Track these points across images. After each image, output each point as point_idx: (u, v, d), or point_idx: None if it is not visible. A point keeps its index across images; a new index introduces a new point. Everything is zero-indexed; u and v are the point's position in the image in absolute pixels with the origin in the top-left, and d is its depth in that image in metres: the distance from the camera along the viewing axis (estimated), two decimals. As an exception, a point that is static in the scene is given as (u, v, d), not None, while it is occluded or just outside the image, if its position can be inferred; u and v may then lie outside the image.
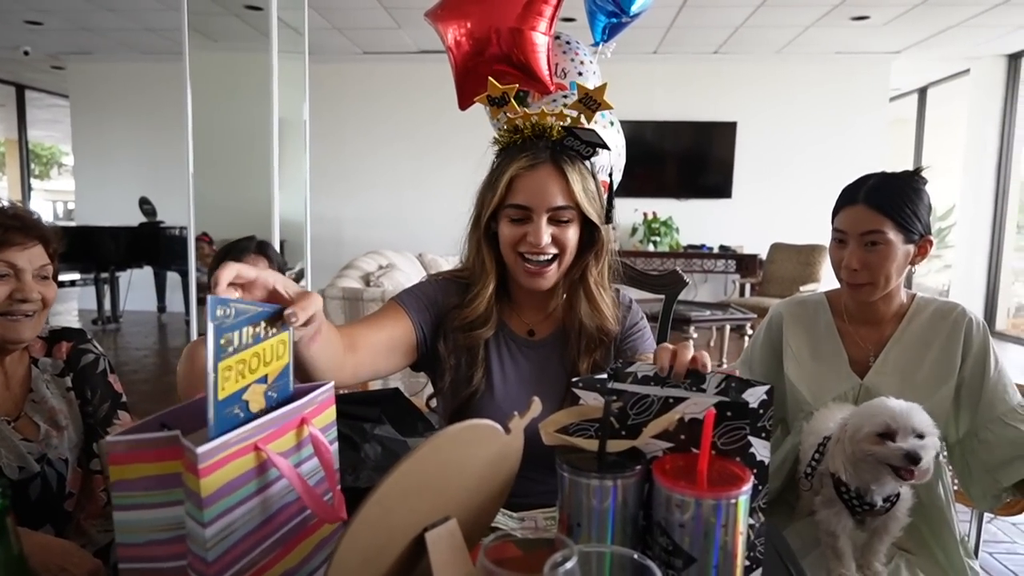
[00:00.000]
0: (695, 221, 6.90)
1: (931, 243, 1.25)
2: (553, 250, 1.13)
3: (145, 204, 6.73)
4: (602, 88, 1.10)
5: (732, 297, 6.37)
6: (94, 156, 7.44)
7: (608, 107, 1.11)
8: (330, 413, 0.71)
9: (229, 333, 0.57)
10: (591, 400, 0.75)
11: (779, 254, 5.99)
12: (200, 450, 0.52)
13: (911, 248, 1.24)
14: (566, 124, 1.13)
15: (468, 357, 1.18)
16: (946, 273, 7.81)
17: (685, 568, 0.62)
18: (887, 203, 1.22)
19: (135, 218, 6.67)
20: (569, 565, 0.47)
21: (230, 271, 0.64)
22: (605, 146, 1.11)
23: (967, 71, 6.78)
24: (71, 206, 9.95)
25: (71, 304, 7.48)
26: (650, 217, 6.75)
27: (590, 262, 1.18)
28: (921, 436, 1.02)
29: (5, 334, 1.17)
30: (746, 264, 6.42)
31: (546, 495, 1.03)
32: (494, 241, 1.18)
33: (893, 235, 1.22)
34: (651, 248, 6.65)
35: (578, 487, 0.67)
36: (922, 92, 7.78)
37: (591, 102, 1.10)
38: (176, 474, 0.55)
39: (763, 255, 6.24)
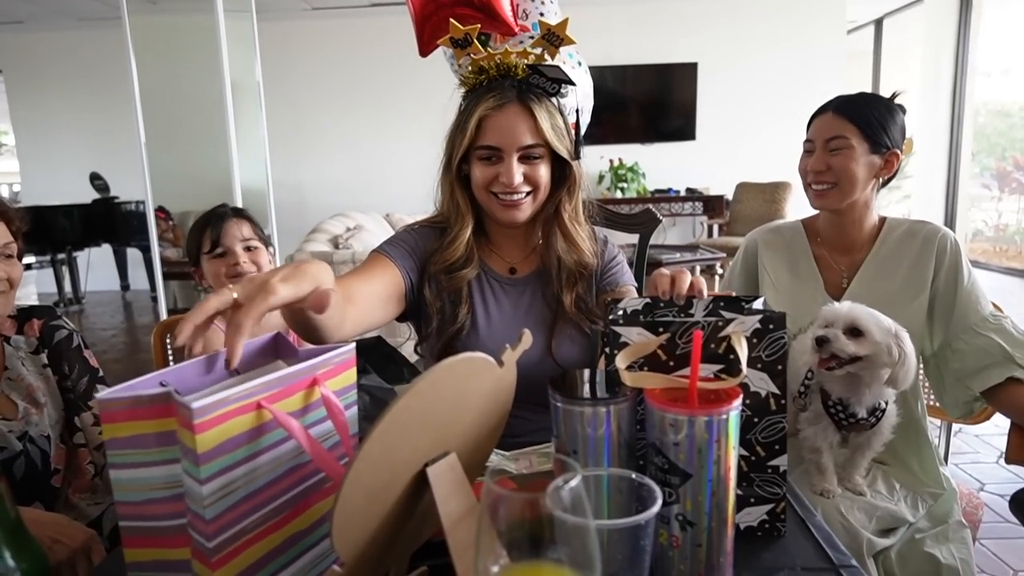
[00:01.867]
0: (661, 165, 6.91)
1: (898, 156, 1.29)
2: (526, 188, 1.14)
3: (96, 180, 6.50)
4: (564, 23, 1.08)
5: (701, 238, 6.43)
6: (37, 133, 7.12)
7: (571, 42, 1.10)
8: (349, 376, 0.67)
9: None
10: (634, 336, 0.74)
11: (745, 193, 6.05)
12: (195, 405, 0.51)
13: (877, 159, 1.28)
14: (530, 62, 1.12)
15: (453, 298, 1.18)
16: (906, 203, 7.99)
17: (682, 484, 0.64)
18: (853, 111, 1.27)
19: (87, 195, 6.44)
20: (574, 483, 0.47)
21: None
22: (570, 82, 1.10)
23: (921, 0, 6.81)
24: (16, 188, 9.53)
25: (29, 288, 7.25)
26: (616, 163, 6.74)
27: (563, 198, 1.19)
28: (856, 332, 1.07)
29: None
30: (713, 205, 6.48)
31: (537, 433, 1.05)
32: (466, 183, 1.18)
33: (856, 141, 1.27)
34: (619, 195, 6.66)
35: (572, 416, 0.68)
36: (878, 24, 7.80)
37: (554, 38, 1.09)
38: (170, 431, 0.54)
39: (729, 195, 6.30)
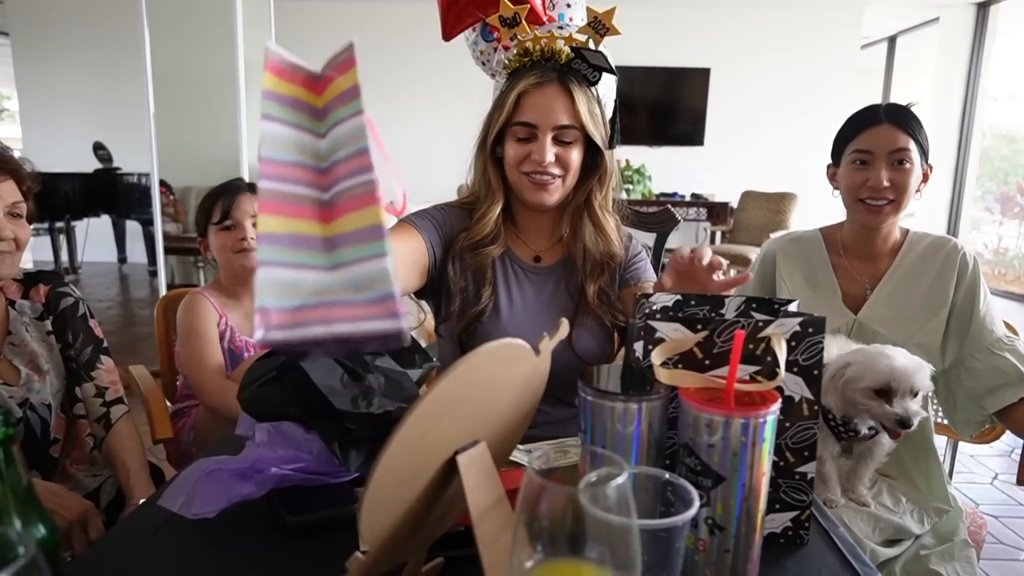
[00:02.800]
0: (667, 169, 6.90)
1: (931, 168, 1.27)
2: (557, 170, 1.14)
3: (100, 149, 6.42)
4: (611, 12, 1.07)
5: (703, 245, 6.41)
6: (41, 99, 7.04)
7: (616, 32, 1.09)
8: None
9: None
10: (671, 333, 0.72)
11: (750, 202, 6.04)
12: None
13: (920, 172, 1.26)
14: (574, 46, 1.12)
15: (477, 278, 1.18)
16: (908, 222, 7.99)
17: (714, 487, 0.62)
18: (909, 123, 1.24)
19: (89, 164, 6.37)
20: (621, 480, 0.46)
21: None
22: (612, 70, 1.10)
23: (936, 19, 6.80)
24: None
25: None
26: (623, 165, 6.72)
27: (594, 187, 1.20)
28: (915, 394, 1.04)
29: None
30: (717, 212, 6.47)
31: (549, 426, 1.03)
32: (500, 164, 1.19)
33: (915, 155, 1.24)
34: (624, 196, 6.63)
35: (602, 411, 0.66)
36: (891, 41, 7.79)
37: (599, 26, 1.09)
38: (324, 108, 0.53)
39: (734, 203, 6.28)
